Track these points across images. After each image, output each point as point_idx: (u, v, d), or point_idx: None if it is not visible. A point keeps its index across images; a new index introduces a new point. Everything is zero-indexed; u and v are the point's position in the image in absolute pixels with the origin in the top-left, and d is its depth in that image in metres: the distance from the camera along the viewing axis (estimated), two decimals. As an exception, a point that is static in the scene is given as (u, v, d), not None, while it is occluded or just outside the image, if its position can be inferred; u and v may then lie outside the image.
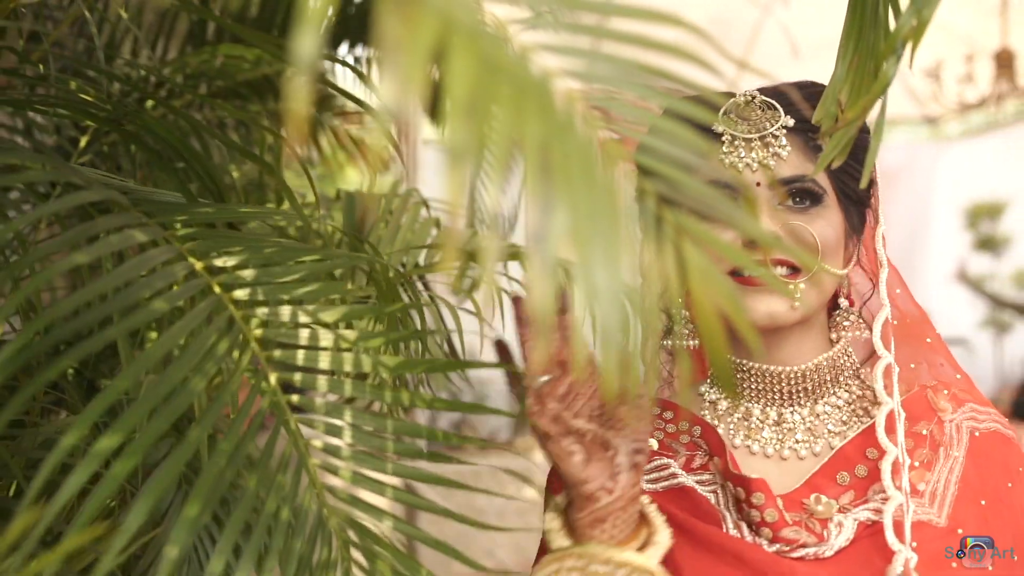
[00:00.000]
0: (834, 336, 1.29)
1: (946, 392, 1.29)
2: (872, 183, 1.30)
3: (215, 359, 0.93)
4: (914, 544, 1.13)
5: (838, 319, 1.29)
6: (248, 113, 2.02)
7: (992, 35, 6.87)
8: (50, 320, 0.84)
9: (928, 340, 1.36)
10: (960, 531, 1.17)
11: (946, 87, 7.11)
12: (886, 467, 1.17)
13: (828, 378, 1.26)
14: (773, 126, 1.21)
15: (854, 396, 1.28)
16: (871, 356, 1.30)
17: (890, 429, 1.20)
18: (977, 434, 1.25)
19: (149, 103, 1.87)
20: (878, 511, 1.17)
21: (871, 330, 1.28)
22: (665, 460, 1.24)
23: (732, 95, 1.22)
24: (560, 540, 1.02)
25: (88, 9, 1.72)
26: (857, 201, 1.28)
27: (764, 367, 1.24)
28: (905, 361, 1.28)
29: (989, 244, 10.54)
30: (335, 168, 2.79)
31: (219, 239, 1.09)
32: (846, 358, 1.28)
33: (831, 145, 1.04)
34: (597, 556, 1.00)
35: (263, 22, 2.13)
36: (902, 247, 10.59)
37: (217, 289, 1.01)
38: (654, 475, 1.23)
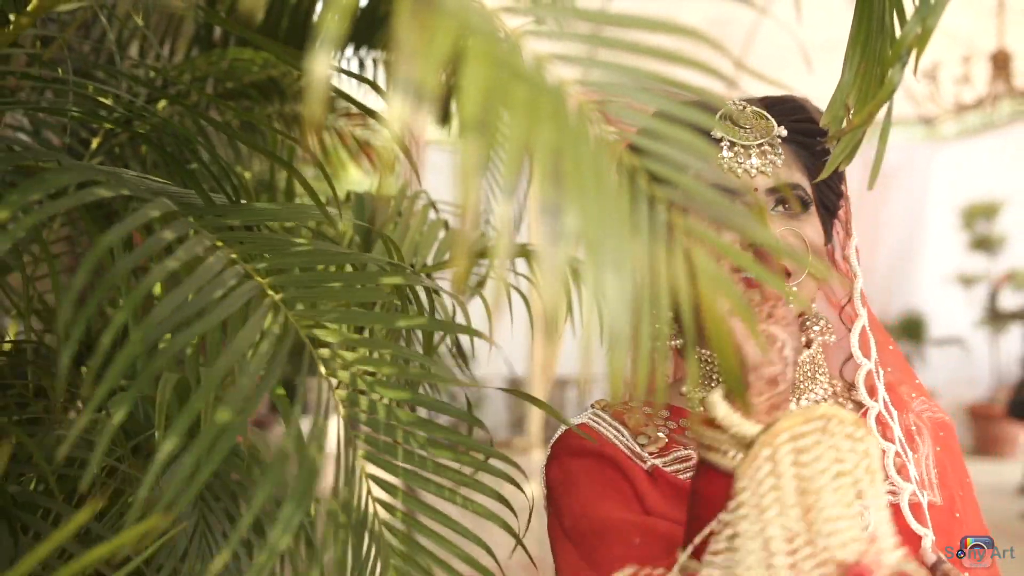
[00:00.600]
0: (803, 340, 1.33)
1: (911, 391, 1.40)
2: (842, 196, 1.37)
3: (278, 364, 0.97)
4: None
5: (807, 324, 1.34)
6: (253, 115, 2.04)
7: (988, 36, 6.91)
8: (149, 328, 0.88)
9: (891, 347, 1.42)
10: (958, 514, 1.27)
11: (943, 88, 7.15)
12: (889, 463, 1.26)
13: (808, 376, 1.31)
14: (769, 134, 1.26)
15: (828, 393, 1.33)
16: (849, 359, 1.36)
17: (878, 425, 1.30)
18: (942, 434, 1.36)
19: (160, 104, 1.89)
20: (893, 493, 1.25)
21: (849, 333, 1.36)
22: (686, 451, 1.26)
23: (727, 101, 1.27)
24: (749, 426, 0.99)
25: (98, 8, 1.75)
26: (831, 211, 1.35)
27: None
28: (881, 365, 1.36)
29: (984, 244, 10.56)
30: (338, 168, 2.82)
31: (262, 244, 1.14)
32: (821, 357, 1.34)
33: (839, 149, 1.09)
34: (846, 420, 0.97)
35: (269, 25, 2.16)
36: (898, 247, 10.62)
37: (271, 293, 1.05)
38: (683, 464, 1.24)
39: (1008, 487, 8.68)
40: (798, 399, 1.30)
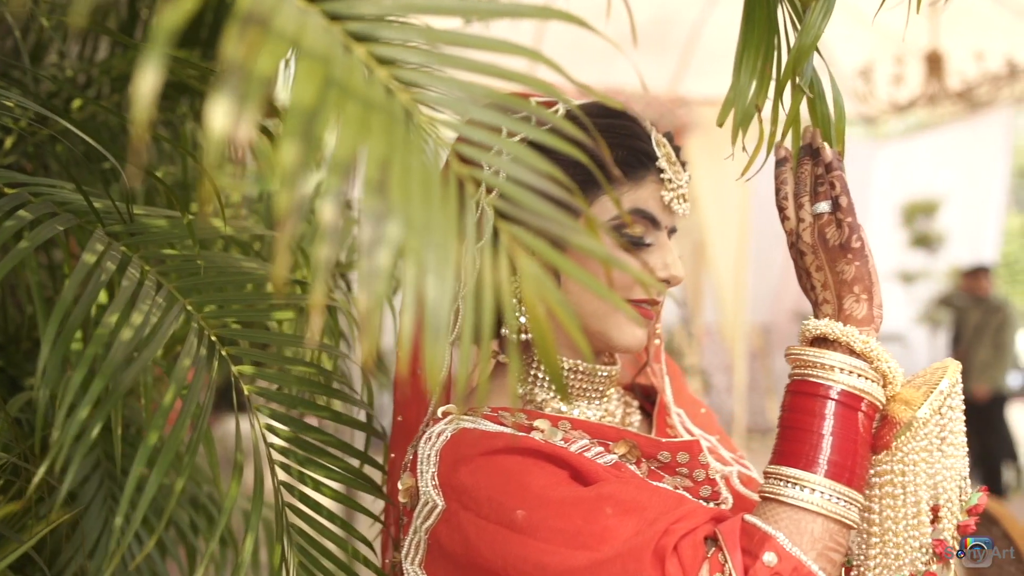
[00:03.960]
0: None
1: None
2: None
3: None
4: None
5: None
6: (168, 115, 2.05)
7: (921, 35, 7.03)
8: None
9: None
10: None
11: (877, 87, 7.27)
12: (706, 453, 1.34)
13: (613, 381, 1.38)
14: (685, 177, 1.32)
15: (619, 394, 1.45)
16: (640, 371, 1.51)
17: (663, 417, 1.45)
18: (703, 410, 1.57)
19: (76, 103, 1.89)
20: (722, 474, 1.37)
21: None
22: (586, 441, 1.26)
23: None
24: (895, 364, 1.16)
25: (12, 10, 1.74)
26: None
27: (594, 367, 1.34)
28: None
29: (924, 241, 10.73)
30: (267, 167, 2.80)
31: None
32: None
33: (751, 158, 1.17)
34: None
35: (192, 21, 2.15)
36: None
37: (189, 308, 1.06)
38: (591, 453, 1.24)
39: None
40: (608, 400, 1.38)
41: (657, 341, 1.48)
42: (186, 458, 1.03)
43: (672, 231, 1.33)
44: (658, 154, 1.28)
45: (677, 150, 1.33)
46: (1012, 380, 9.37)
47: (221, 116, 0.51)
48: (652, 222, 1.27)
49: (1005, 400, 8.46)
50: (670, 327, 10.09)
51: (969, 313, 8.70)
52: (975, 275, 8.81)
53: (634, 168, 1.26)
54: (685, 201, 1.30)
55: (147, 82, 0.53)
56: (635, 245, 1.27)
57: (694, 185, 7.94)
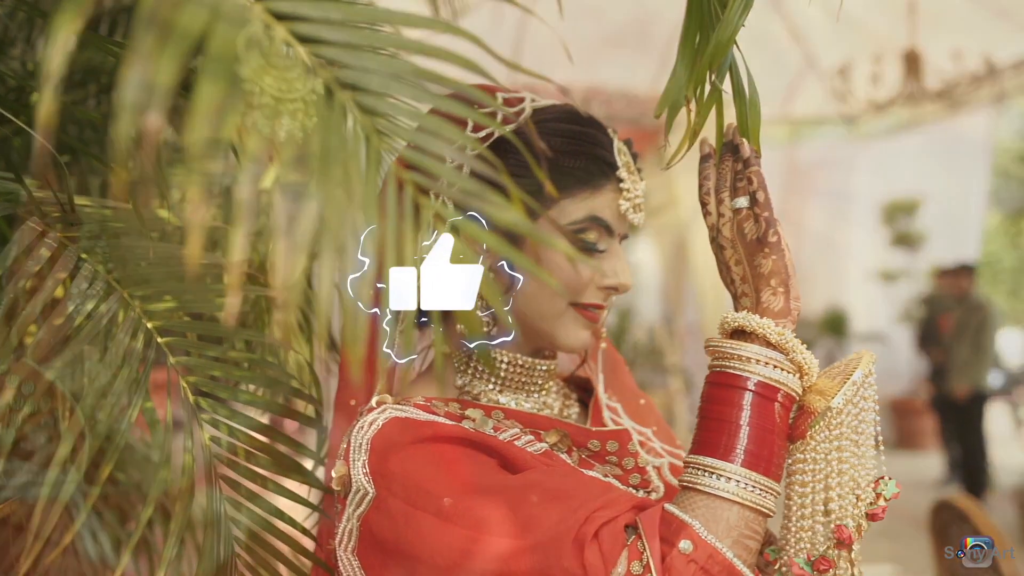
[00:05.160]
0: None
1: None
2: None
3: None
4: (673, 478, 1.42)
5: None
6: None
7: (900, 34, 7.05)
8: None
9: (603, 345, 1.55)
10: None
11: (856, 86, 7.28)
12: (635, 442, 1.36)
13: (552, 375, 1.41)
14: (642, 186, 1.33)
15: (559, 386, 1.46)
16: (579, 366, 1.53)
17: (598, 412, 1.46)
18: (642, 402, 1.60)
19: (35, 97, 1.88)
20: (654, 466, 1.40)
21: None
22: (517, 430, 1.27)
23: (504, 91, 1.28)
24: (810, 355, 1.18)
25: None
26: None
27: (533, 361, 1.35)
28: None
29: (905, 240, 10.74)
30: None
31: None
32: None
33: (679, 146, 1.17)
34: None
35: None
36: (822, 243, 10.75)
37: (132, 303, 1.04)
38: (521, 441, 1.25)
39: (927, 479, 8.85)
40: (547, 394, 1.39)
41: (604, 346, 1.51)
42: (117, 439, 1.02)
43: (624, 238, 1.35)
44: (618, 163, 1.30)
45: (635, 157, 1.34)
46: (992, 379, 9.39)
47: (145, 49, 0.50)
48: (606, 229, 1.30)
49: (985, 400, 8.49)
50: (651, 326, 10.10)
51: (950, 312, 8.72)
52: (956, 274, 8.82)
53: (594, 176, 1.28)
54: (640, 211, 1.33)
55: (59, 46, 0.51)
56: (588, 251, 1.28)
57: (675, 184, 7.97)
